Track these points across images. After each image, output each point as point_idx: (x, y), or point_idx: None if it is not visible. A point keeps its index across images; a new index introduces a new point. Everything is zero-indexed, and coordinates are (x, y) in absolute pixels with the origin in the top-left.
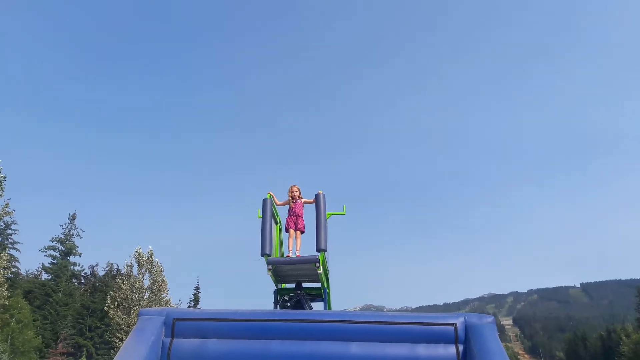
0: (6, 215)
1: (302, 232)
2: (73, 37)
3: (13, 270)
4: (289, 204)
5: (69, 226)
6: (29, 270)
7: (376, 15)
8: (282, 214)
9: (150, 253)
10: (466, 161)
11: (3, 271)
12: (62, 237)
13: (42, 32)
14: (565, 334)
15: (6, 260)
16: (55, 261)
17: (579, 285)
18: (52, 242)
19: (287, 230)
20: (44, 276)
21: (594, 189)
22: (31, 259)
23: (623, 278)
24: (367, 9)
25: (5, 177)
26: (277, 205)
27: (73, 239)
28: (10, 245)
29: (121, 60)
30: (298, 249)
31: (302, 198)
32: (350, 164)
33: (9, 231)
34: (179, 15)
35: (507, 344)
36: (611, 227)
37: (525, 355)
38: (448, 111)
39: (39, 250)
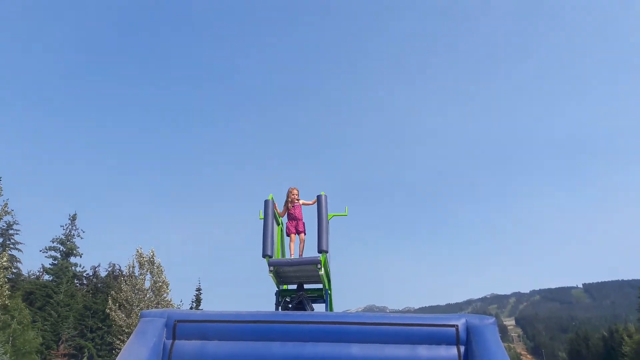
0: (6, 215)
1: (304, 234)
2: (74, 35)
3: (15, 271)
4: (288, 208)
5: (70, 227)
6: (30, 271)
7: (375, 14)
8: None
9: (151, 253)
10: (469, 162)
11: (4, 272)
12: (63, 237)
13: (41, 31)
14: (568, 334)
15: (6, 260)
16: (56, 262)
17: (581, 286)
18: (53, 242)
19: (288, 235)
20: (46, 277)
21: (596, 190)
22: (33, 260)
23: (625, 278)
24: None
25: (0, 178)
26: (279, 214)
27: (74, 240)
28: (12, 246)
29: (124, 58)
30: (301, 251)
31: (300, 200)
32: (353, 165)
33: (10, 231)
34: (184, 13)
35: (510, 344)
36: (614, 228)
37: (528, 356)
38: (453, 113)
39: (40, 251)
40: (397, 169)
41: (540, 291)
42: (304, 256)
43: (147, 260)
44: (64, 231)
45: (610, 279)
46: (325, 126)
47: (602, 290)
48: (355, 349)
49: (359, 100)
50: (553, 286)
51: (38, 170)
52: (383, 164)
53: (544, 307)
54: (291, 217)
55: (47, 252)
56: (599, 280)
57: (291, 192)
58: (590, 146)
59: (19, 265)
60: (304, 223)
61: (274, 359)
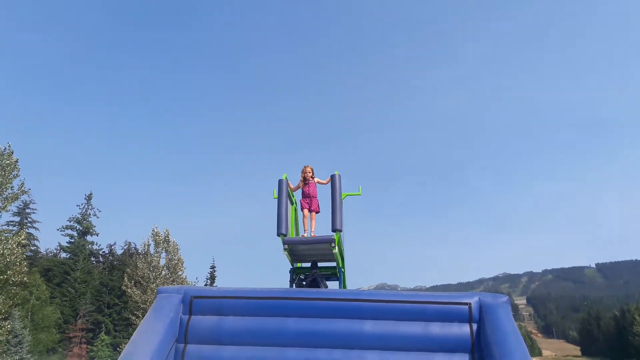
0: (23, 194)
1: (317, 212)
2: (85, 16)
3: (32, 248)
4: (302, 186)
5: (86, 206)
6: (48, 248)
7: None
8: (298, 195)
9: (166, 232)
10: (481, 142)
11: (22, 249)
12: (79, 217)
13: (56, 13)
14: (579, 313)
15: (24, 238)
16: (73, 240)
17: (594, 266)
18: (70, 221)
19: (301, 210)
20: (63, 255)
21: (609, 169)
22: (50, 238)
23: (639, 258)
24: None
25: (17, 160)
26: (291, 189)
27: (90, 219)
28: (29, 224)
29: (138, 38)
30: (313, 229)
31: (314, 178)
32: (366, 145)
33: (27, 210)
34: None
35: (521, 323)
36: (627, 208)
37: (539, 335)
38: (462, 93)
39: (57, 230)
40: (410, 148)
41: (553, 271)
42: (315, 233)
43: (162, 239)
44: (80, 210)
45: (623, 259)
46: (343, 108)
47: (616, 270)
48: (369, 325)
49: (377, 82)
50: (566, 266)
51: (54, 150)
52: (396, 143)
53: (556, 286)
54: (305, 195)
55: (64, 231)
56: (613, 260)
57: (305, 169)
58: (602, 126)
59: (36, 243)
60: (318, 201)
61: (289, 334)
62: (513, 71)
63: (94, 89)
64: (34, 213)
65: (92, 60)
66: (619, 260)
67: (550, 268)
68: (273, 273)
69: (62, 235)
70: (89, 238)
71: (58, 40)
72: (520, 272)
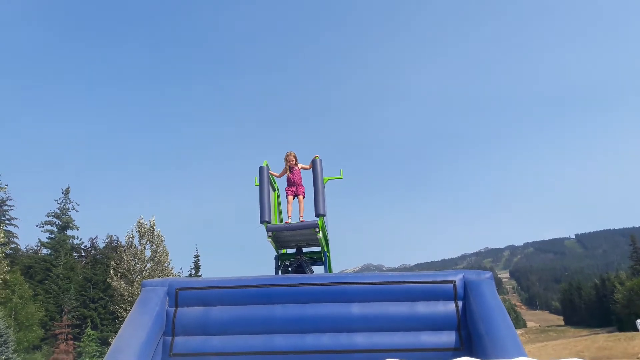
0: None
1: (303, 196)
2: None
3: (12, 246)
4: (287, 173)
5: (64, 200)
6: (28, 245)
7: None
8: (280, 181)
9: (151, 223)
10: (459, 119)
11: (2, 247)
12: (58, 211)
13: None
14: (561, 284)
15: (3, 236)
16: (53, 236)
17: (573, 236)
18: (48, 217)
19: (287, 198)
20: (44, 251)
21: (586, 142)
22: (30, 235)
23: (616, 227)
24: None
25: None
26: (276, 177)
27: (69, 213)
28: (7, 222)
29: (116, 19)
30: (302, 213)
31: (298, 164)
32: (344, 126)
33: (4, 207)
34: None
35: (504, 296)
36: (604, 178)
37: (523, 307)
38: (442, 72)
39: (36, 226)
40: (387, 128)
41: (534, 243)
42: (303, 218)
43: (147, 231)
44: (58, 205)
45: (602, 229)
46: (323, 89)
47: (594, 240)
48: (356, 308)
49: (356, 62)
50: (546, 238)
51: (26, 144)
52: (373, 124)
53: (538, 258)
54: (290, 183)
55: (43, 227)
56: (591, 231)
57: (289, 157)
58: (579, 99)
59: (16, 240)
60: (303, 187)
61: (276, 321)
62: (490, 49)
63: (62, 75)
64: (11, 210)
65: (60, 43)
66: (597, 230)
67: (531, 241)
68: (258, 260)
69: (42, 231)
70: (69, 232)
71: (29, 23)
72: (502, 246)
